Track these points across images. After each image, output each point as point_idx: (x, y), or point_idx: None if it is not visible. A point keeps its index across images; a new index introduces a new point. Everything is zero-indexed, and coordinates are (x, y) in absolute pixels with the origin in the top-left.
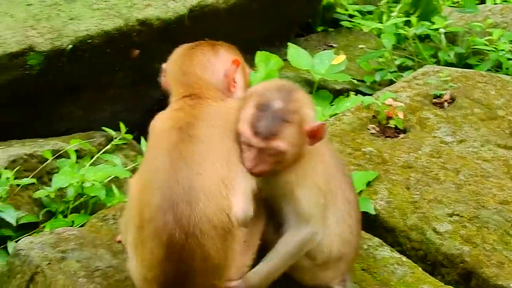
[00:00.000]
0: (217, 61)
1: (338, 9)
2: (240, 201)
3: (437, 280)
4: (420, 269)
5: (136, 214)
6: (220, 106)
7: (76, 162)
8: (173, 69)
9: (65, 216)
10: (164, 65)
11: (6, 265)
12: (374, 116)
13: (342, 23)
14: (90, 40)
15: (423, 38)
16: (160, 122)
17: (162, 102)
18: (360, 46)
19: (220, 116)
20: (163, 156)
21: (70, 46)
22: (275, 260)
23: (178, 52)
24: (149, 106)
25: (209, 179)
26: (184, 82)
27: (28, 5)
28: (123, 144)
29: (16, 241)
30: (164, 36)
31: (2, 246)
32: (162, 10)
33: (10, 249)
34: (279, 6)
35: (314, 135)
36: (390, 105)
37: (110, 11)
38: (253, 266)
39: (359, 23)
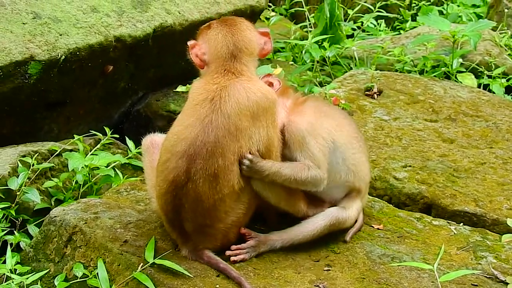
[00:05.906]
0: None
1: None
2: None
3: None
4: (391, 205)
5: (161, 160)
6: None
7: None
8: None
9: (76, 200)
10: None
11: (40, 234)
12: None
13: None
14: (78, 53)
15: (335, 63)
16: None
17: (121, 124)
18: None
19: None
20: (196, 118)
21: (63, 57)
22: (284, 169)
23: None
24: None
25: (226, 150)
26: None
27: (23, 23)
28: (110, 144)
29: (36, 225)
30: (132, 53)
31: (23, 230)
32: (132, 29)
33: (31, 231)
34: None
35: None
36: (336, 94)
37: (91, 29)
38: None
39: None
